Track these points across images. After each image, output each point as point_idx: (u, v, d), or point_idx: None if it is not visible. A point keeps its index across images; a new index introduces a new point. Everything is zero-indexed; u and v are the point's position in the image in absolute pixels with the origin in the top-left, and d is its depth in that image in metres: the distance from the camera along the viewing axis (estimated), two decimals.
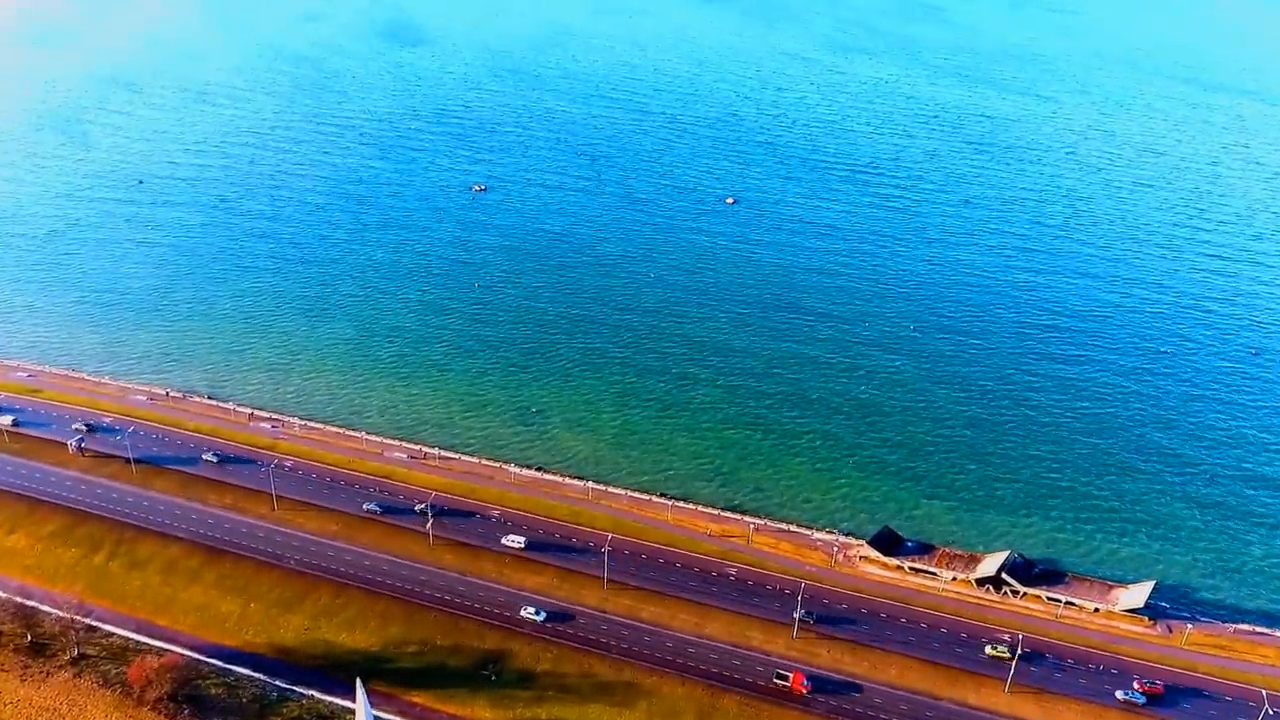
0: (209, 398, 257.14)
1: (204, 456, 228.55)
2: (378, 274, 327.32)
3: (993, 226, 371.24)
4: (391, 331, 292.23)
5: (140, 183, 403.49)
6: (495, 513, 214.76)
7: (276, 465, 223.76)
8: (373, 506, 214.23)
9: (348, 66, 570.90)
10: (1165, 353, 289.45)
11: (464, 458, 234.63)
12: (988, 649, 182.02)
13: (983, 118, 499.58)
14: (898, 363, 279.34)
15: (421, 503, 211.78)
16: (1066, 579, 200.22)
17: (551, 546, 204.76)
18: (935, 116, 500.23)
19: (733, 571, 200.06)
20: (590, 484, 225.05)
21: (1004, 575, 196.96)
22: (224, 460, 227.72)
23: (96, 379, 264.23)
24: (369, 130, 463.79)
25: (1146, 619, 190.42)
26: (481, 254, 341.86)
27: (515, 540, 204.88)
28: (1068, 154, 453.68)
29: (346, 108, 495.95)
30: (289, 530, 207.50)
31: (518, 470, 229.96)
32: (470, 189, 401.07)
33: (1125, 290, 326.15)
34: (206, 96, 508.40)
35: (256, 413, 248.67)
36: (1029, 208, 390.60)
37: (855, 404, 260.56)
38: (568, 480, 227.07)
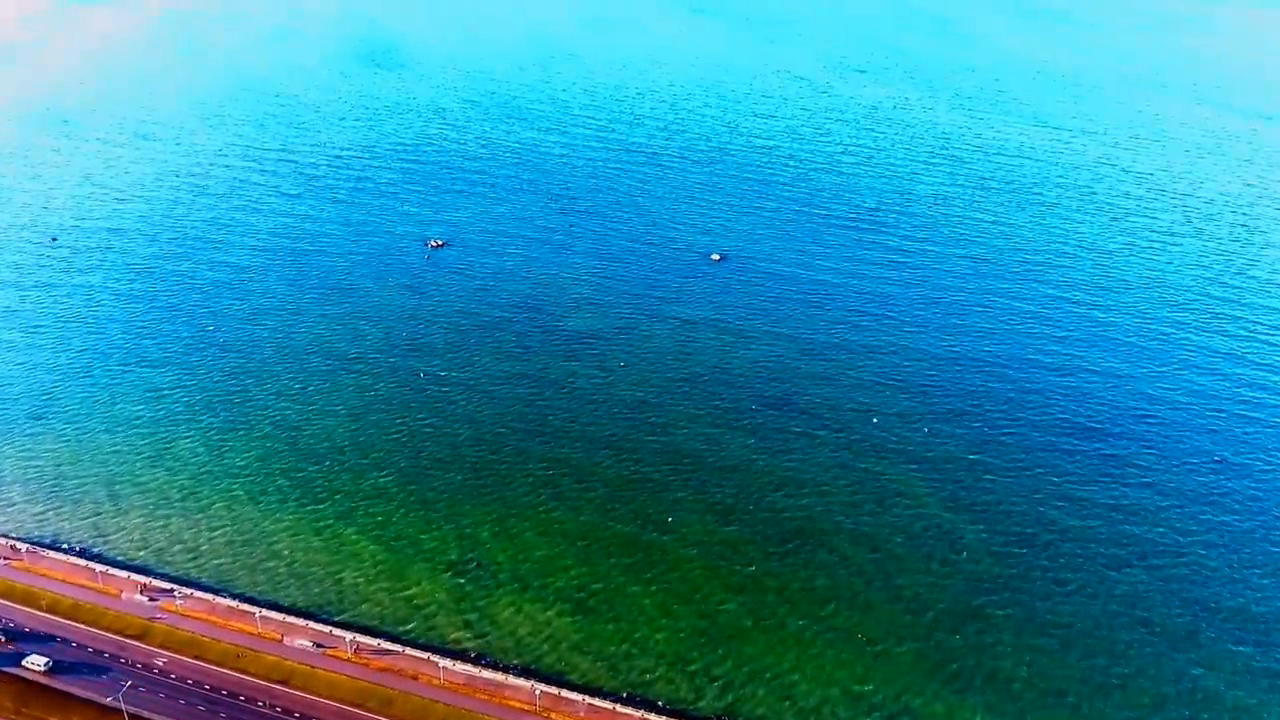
0: (78, 553, 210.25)
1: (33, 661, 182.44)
2: (303, 370, 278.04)
3: (1013, 303, 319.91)
4: (309, 450, 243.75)
5: (54, 240, 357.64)
6: None
7: (141, 670, 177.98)
8: None
9: (307, 92, 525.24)
10: (1220, 461, 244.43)
11: (383, 645, 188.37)
12: None
13: (992, 153, 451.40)
14: (913, 501, 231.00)
15: None
16: None
17: None
18: (941, 149, 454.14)
19: None
20: (539, 686, 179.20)
21: None
22: (72, 665, 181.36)
23: None
24: (319, 172, 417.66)
25: None
26: (429, 336, 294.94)
27: None
28: (1084, 197, 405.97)
29: (299, 143, 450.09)
30: None
31: (448, 665, 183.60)
32: (427, 244, 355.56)
33: (1174, 391, 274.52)
34: (147, 132, 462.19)
35: (132, 577, 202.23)
36: (1050, 272, 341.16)
37: (870, 558, 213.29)
38: (511, 680, 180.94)
